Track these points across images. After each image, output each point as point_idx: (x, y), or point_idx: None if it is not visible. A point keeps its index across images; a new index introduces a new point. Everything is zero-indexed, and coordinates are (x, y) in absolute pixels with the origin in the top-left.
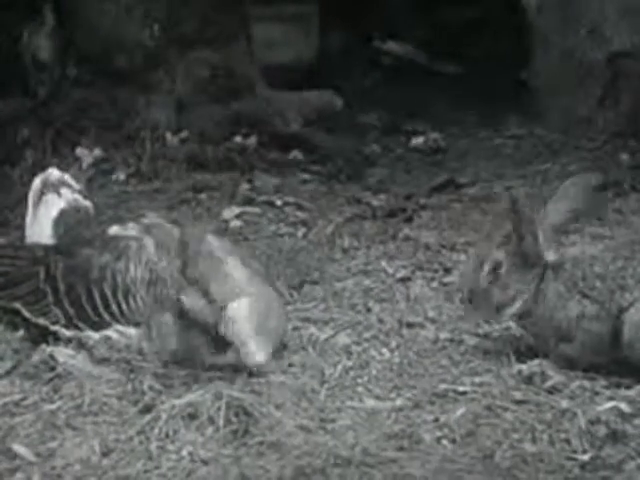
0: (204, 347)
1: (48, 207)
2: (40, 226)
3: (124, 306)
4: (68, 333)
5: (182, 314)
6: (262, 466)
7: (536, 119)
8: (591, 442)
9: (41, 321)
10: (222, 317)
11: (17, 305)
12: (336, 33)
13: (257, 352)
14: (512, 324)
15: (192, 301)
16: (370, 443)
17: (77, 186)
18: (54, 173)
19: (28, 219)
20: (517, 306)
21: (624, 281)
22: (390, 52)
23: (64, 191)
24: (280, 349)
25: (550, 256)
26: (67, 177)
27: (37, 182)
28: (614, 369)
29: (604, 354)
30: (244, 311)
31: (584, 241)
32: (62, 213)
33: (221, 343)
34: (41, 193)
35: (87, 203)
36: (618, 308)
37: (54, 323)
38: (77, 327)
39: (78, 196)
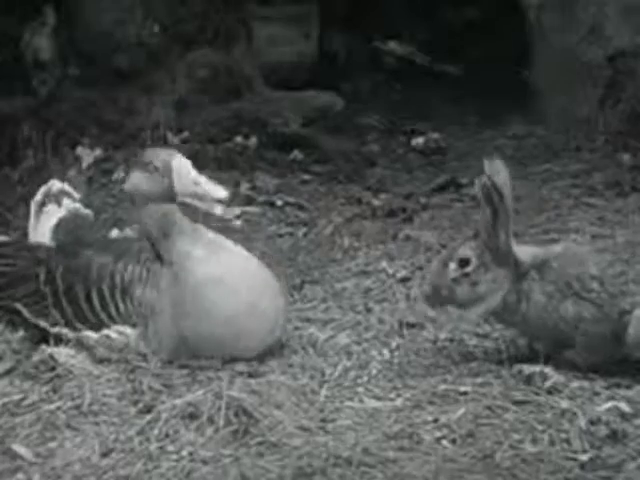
0: None
1: (49, 216)
2: (41, 234)
3: (122, 306)
4: (67, 334)
5: (132, 200)
6: (262, 466)
7: (536, 119)
8: (591, 442)
9: (41, 323)
10: (170, 175)
11: (17, 306)
12: (337, 33)
13: (217, 187)
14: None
15: (135, 180)
16: (370, 443)
17: (78, 195)
18: (55, 184)
19: (30, 228)
20: (491, 304)
21: (626, 286)
22: (391, 52)
23: (65, 201)
24: (280, 349)
25: (523, 255)
26: (68, 187)
27: (39, 194)
28: (614, 369)
29: (606, 355)
30: (187, 162)
31: (566, 239)
32: (62, 220)
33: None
34: (42, 204)
35: (87, 212)
36: (620, 311)
37: (53, 325)
38: (75, 328)
39: (79, 205)
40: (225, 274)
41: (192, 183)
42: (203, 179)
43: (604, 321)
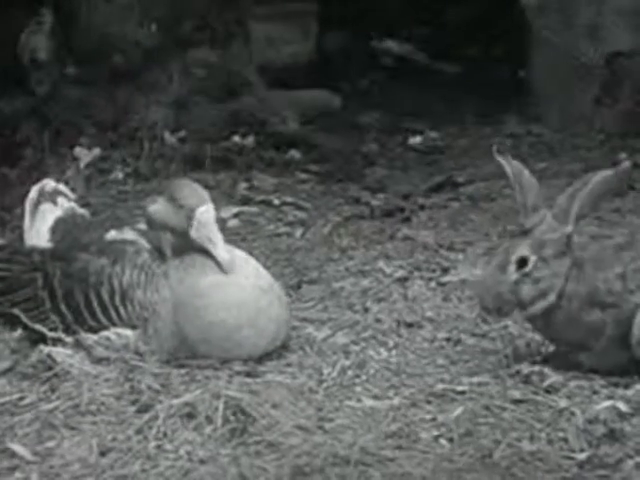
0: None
1: (45, 215)
2: (37, 234)
3: (122, 310)
4: (66, 339)
5: (150, 222)
6: (260, 466)
7: (534, 118)
8: (589, 441)
9: (39, 327)
10: (191, 221)
11: (16, 311)
12: (334, 32)
13: (225, 253)
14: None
15: (160, 207)
16: (368, 442)
17: (72, 195)
18: (49, 183)
19: (25, 228)
20: (549, 300)
21: None
22: (389, 51)
23: (60, 200)
24: (278, 349)
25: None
26: (62, 187)
27: (33, 192)
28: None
29: (620, 358)
30: (211, 214)
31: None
32: (59, 220)
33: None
34: (37, 202)
35: (83, 211)
36: (630, 309)
37: (52, 330)
38: (75, 332)
39: (74, 204)
40: (233, 281)
41: (207, 239)
42: (218, 238)
43: (622, 322)
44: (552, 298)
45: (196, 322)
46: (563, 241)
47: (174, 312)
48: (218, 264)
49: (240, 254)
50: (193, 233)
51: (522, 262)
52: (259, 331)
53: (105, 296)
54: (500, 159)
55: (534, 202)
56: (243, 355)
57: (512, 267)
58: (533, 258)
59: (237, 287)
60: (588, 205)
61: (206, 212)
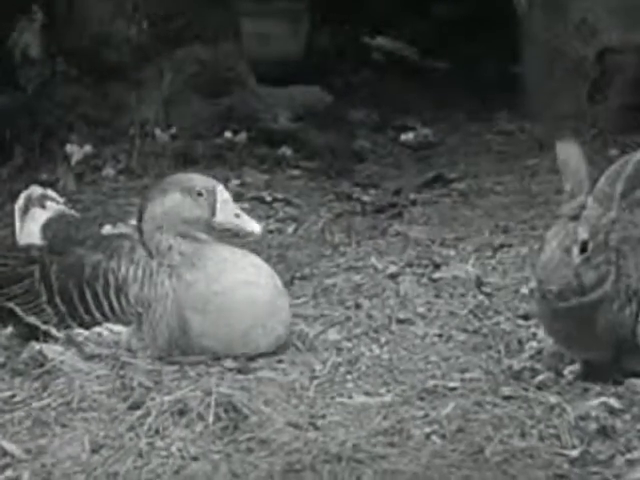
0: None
1: (35, 218)
2: (29, 234)
3: (116, 305)
4: (58, 333)
5: (161, 225)
6: (252, 462)
7: (525, 115)
8: (580, 437)
9: (32, 320)
10: (213, 203)
11: (11, 305)
12: (326, 29)
13: (254, 222)
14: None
15: (174, 203)
16: (360, 439)
17: (60, 199)
18: (37, 190)
19: (16, 231)
20: (605, 288)
21: None
22: (380, 48)
23: (49, 204)
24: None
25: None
26: (50, 191)
27: (20, 199)
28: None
29: None
30: (227, 192)
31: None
32: (50, 220)
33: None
34: (26, 208)
35: (73, 212)
36: None
37: (45, 322)
38: (68, 326)
39: (63, 207)
40: (254, 280)
41: (233, 215)
42: (241, 211)
43: None
44: (607, 286)
45: (211, 318)
46: (609, 227)
47: (181, 308)
48: (250, 233)
49: (254, 257)
50: (219, 215)
51: (583, 246)
52: (268, 330)
53: (99, 291)
54: (558, 143)
55: (572, 188)
56: (242, 353)
57: (576, 250)
58: (591, 243)
59: (259, 286)
60: (629, 188)
61: (224, 190)
